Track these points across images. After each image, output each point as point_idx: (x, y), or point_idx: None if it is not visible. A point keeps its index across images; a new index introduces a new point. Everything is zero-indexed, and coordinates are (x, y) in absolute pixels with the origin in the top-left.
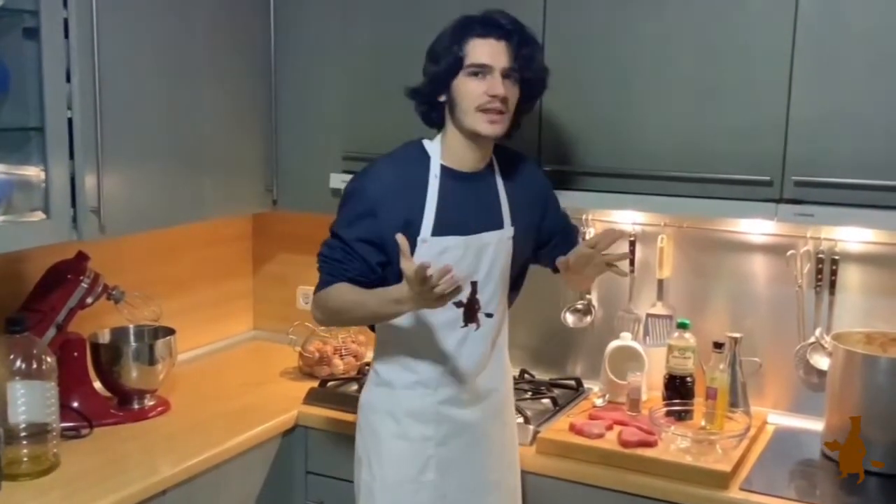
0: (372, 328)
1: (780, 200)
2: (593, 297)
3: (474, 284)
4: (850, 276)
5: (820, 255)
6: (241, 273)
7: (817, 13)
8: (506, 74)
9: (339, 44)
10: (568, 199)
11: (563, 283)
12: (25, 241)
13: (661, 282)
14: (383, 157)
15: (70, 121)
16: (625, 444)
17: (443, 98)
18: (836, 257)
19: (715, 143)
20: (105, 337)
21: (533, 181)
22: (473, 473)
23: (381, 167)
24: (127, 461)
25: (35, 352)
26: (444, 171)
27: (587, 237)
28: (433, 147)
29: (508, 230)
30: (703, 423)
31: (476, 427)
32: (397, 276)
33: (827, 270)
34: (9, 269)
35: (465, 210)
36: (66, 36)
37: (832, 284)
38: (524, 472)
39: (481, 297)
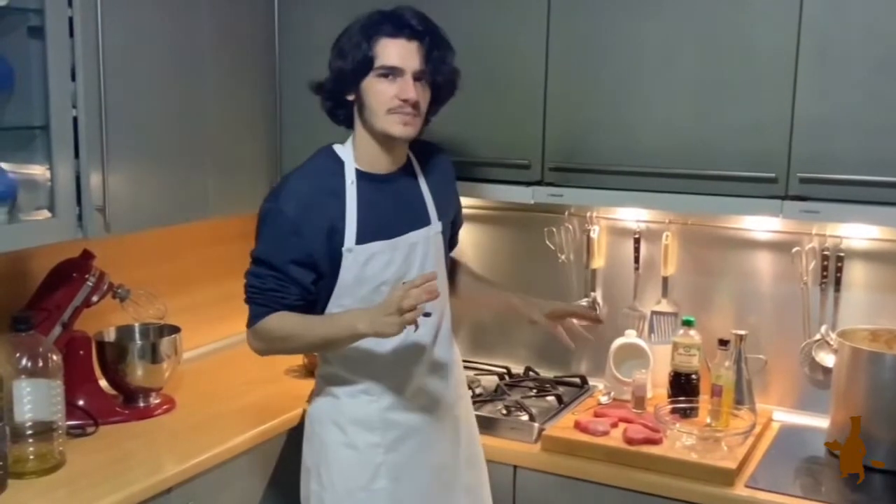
0: None
1: (785, 197)
2: (598, 295)
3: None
4: (856, 273)
5: (825, 252)
6: None
7: (822, 10)
8: (417, 77)
9: None
10: (572, 197)
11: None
12: (31, 240)
13: (665, 279)
14: (294, 171)
15: (75, 119)
16: (630, 441)
17: (350, 97)
18: (842, 254)
19: (720, 141)
20: (110, 335)
21: (447, 171)
22: (429, 477)
23: (294, 183)
24: (132, 459)
25: (41, 350)
26: (360, 175)
27: (593, 233)
28: (345, 152)
29: (436, 225)
30: (708, 420)
31: (425, 429)
32: (329, 291)
33: (832, 267)
34: (14, 268)
35: (388, 213)
36: (72, 35)
37: (837, 281)
38: (529, 470)
39: None
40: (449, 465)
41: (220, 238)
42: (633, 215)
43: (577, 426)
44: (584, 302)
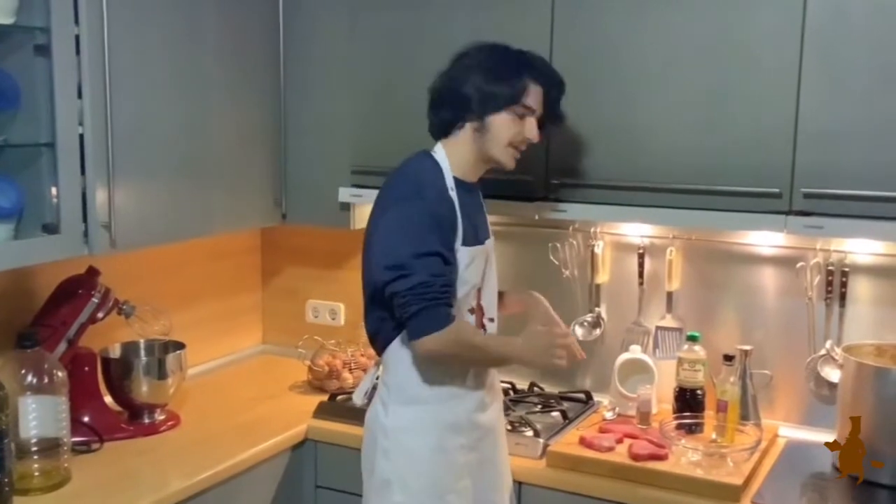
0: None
1: (789, 212)
2: (602, 310)
3: (479, 291)
4: (861, 288)
5: (830, 267)
6: (251, 287)
7: (825, 24)
8: (540, 119)
9: (348, 58)
10: (577, 212)
11: None
12: (37, 257)
13: (670, 294)
14: (408, 171)
15: (81, 137)
16: (635, 457)
17: (473, 118)
18: (846, 269)
19: (723, 156)
20: (115, 351)
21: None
22: (496, 474)
23: (424, 178)
24: (137, 475)
25: (46, 366)
26: (456, 181)
27: (597, 249)
28: (440, 159)
29: (492, 239)
30: (713, 436)
31: (494, 429)
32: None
33: (837, 282)
34: (20, 284)
35: (475, 219)
36: (78, 53)
37: (842, 296)
38: (534, 486)
39: (483, 302)
40: (505, 464)
41: (224, 253)
42: (636, 230)
43: (582, 442)
44: (588, 317)
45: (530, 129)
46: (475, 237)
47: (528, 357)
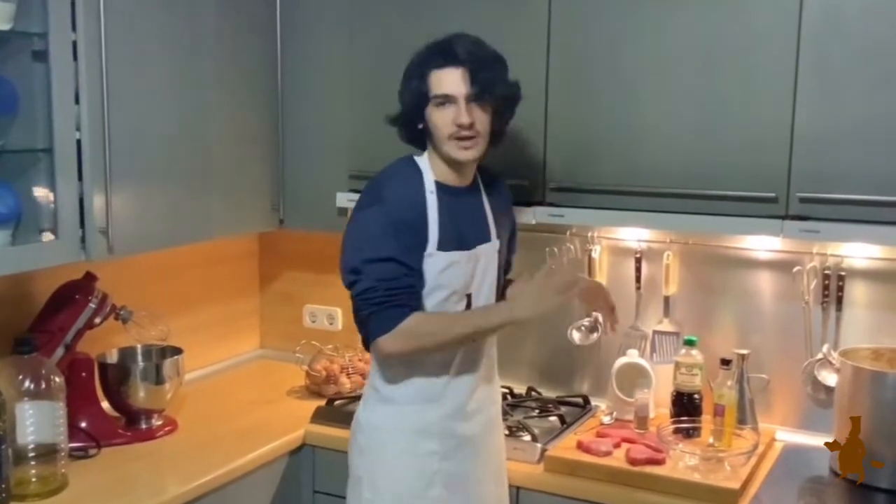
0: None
1: (785, 217)
2: (599, 315)
3: (469, 297)
4: (857, 292)
5: (826, 272)
6: (248, 292)
7: (821, 28)
8: (471, 99)
9: (345, 64)
10: (573, 217)
11: None
12: (34, 262)
13: (667, 298)
14: (380, 177)
15: (78, 142)
16: (633, 461)
17: (420, 126)
18: (843, 273)
19: (720, 160)
20: (113, 357)
21: (506, 199)
22: (474, 487)
23: (389, 185)
24: (135, 481)
25: (43, 372)
26: (438, 186)
27: (594, 253)
28: (423, 164)
29: (495, 243)
30: (711, 440)
31: (475, 440)
32: None
33: (833, 286)
34: (17, 290)
35: (462, 224)
36: (75, 58)
37: (839, 300)
38: (532, 491)
39: None
40: (489, 477)
41: (222, 258)
42: (634, 235)
43: (580, 446)
44: (585, 321)
45: (456, 114)
46: (458, 241)
47: (529, 308)
